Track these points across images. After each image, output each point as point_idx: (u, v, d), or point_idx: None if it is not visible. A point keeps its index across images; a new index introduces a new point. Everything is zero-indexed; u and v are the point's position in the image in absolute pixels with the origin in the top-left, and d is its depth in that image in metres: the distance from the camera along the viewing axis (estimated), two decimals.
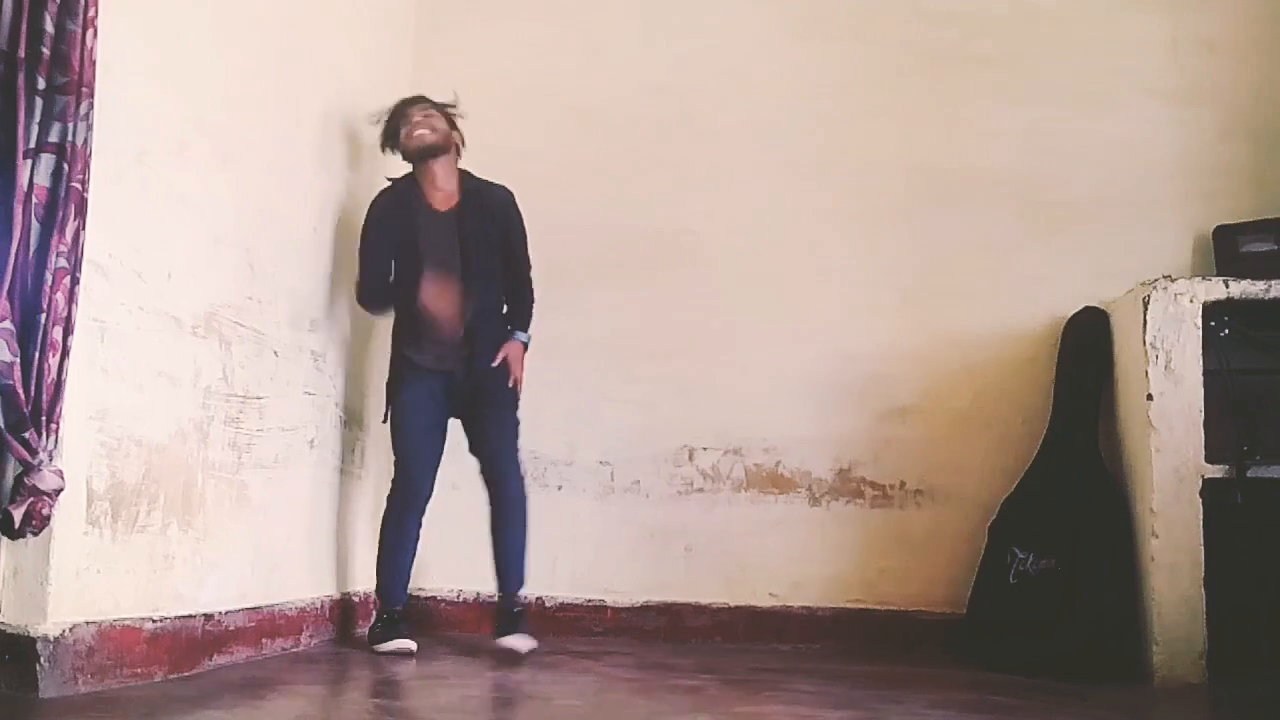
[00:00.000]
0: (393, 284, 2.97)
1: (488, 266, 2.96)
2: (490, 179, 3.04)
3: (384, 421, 2.97)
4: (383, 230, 2.95)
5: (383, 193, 3.01)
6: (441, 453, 2.95)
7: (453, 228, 2.94)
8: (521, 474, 2.94)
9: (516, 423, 2.97)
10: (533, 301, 3.05)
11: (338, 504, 3.12)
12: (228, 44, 2.56)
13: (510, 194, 3.03)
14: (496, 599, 2.97)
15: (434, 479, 2.94)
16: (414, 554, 2.97)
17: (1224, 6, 3.35)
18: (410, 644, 2.82)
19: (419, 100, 3.00)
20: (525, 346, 3.01)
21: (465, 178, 3.01)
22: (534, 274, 3.08)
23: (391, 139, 3.00)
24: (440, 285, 2.87)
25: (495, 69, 3.56)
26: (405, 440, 2.91)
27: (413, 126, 2.93)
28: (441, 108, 2.99)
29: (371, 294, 3.00)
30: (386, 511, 2.95)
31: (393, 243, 2.95)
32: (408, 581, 2.97)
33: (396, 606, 2.92)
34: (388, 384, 2.98)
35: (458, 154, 3.01)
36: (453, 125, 3.00)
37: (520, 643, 2.81)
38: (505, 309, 3.03)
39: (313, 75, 2.98)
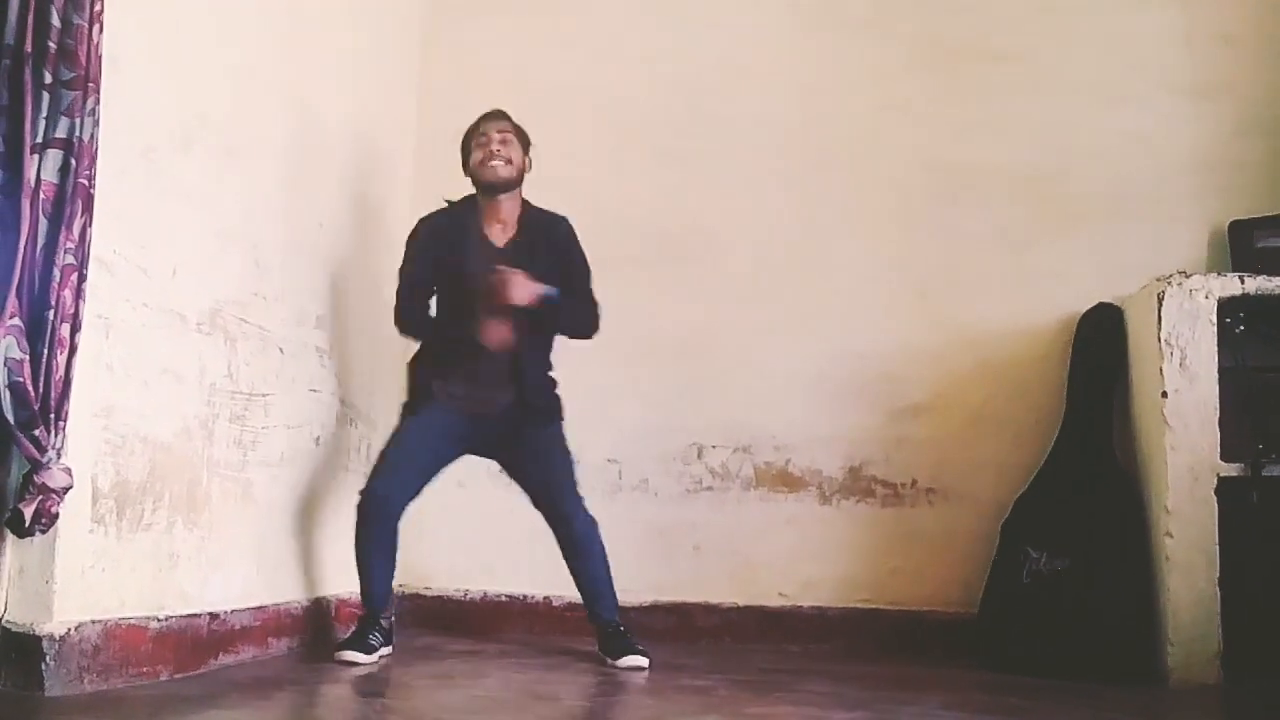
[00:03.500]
0: (429, 313, 2.84)
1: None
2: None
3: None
4: (429, 256, 2.80)
5: (436, 215, 2.86)
6: (425, 484, 2.79)
7: (508, 263, 2.73)
8: (584, 507, 2.82)
9: (568, 459, 2.83)
10: (595, 320, 2.89)
11: (343, 502, 3.11)
12: (234, 39, 2.55)
13: (569, 225, 2.88)
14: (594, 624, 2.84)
15: (405, 503, 2.76)
16: (395, 563, 2.79)
17: (1239, 0, 3.32)
18: (365, 657, 2.60)
19: (497, 117, 2.83)
20: (546, 300, 2.73)
21: (525, 209, 2.86)
22: None
23: (465, 157, 2.84)
24: (496, 323, 2.69)
25: (504, 62, 3.54)
26: (398, 450, 2.75)
27: (487, 155, 2.77)
28: (519, 129, 2.84)
29: (413, 321, 2.83)
30: (358, 527, 2.74)
31: (439, 270, 2.79)
32: (390, 587, 2.80)
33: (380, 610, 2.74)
34: (405, 404, 2.83)
35: (522, 181, 2.86)
36: (526, 150, 2.85)
37: (637, 661, 2.68)
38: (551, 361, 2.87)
39: (319, 70, 2.97)
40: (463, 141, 2.86)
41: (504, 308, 2.68)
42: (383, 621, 2.74)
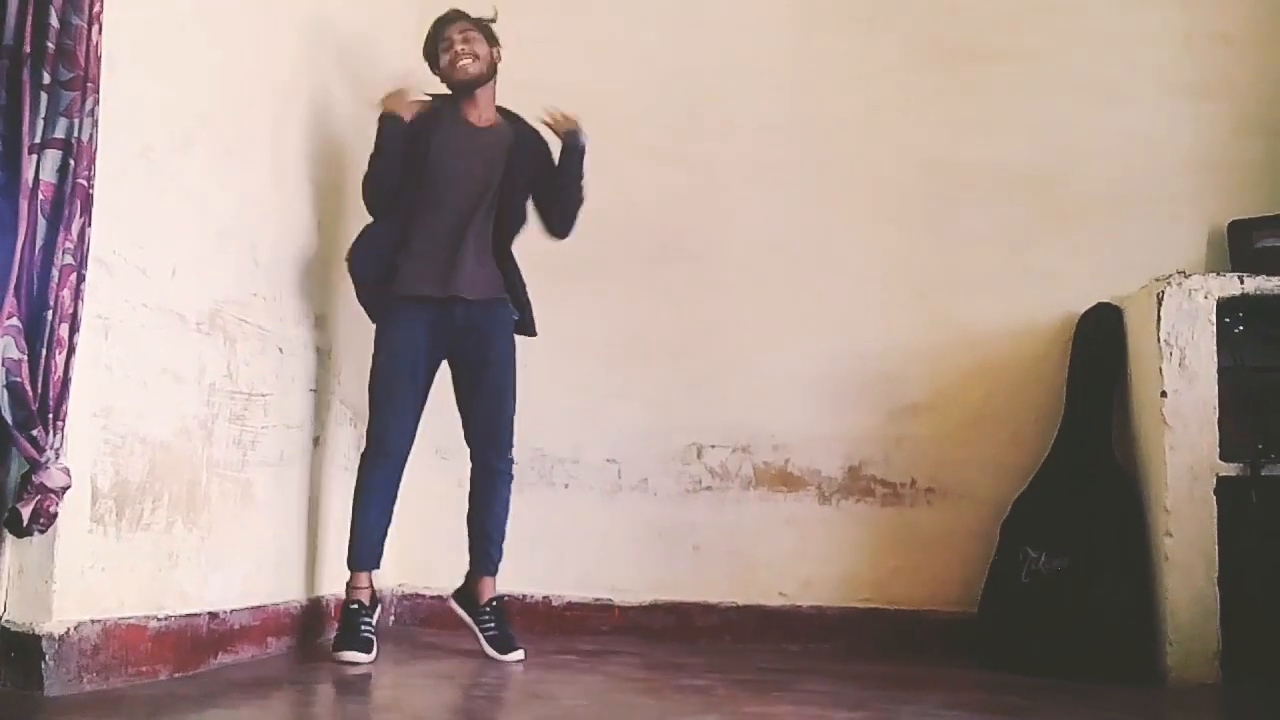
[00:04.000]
0: (399, 195, 2.77)
1: (513, 197, 2.83)
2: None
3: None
4: (405, 135, 2.76)
5: (427, 104, 2.87)
6: (423, 406, 2.78)
7: (489, 141, 2.83)
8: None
9: (514, 398, 2.84)
10: (579, 206, 2.91)
11: (342, 502, 3.11)
12: (232, 39, 2.55)
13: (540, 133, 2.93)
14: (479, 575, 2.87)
15: (413, 435, 2.77)
16: (389, 519, 2.78)
17: (1239, 0, 3.32)
18: (365, 656, 2.58)
19: (455, 17, 2.86)
20: (580, 147, 2.87)
21: (500, 111, 2.91)
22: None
23: (433, 61, 2.87)
24: (448, 212, 2.75)
25: (501, 62, 3.53)
26: (383, 386, 2.73)
27: (454, 56, 2.81)
28: (479, 24, 2.86)
29: (382, 194, 2.77)
30: (359, 469, 2.76)
31: (413, 151, 2.76)
32: (380, 548, 2.78)
33: (364, 571, 2.73)
34: (377, 332, 2.79)
35: (495, 74, 2.89)
36: (493, 42, 2.88)
37: (518, 656, 2.74)
38: (510, 262, 2.86)
39: (318, 71, 2.97)
40: (426, 52, 2.89)
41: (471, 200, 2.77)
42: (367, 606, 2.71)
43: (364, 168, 2.99)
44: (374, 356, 2.78)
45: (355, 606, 2.68)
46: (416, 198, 2.76)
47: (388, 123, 2.76)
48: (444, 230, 2.76)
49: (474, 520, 2.87)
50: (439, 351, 2.80)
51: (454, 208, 2.77)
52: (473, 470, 2.86)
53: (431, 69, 2.90)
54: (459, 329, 2.77)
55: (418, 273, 2.74)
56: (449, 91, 2.89)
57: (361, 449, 2.80)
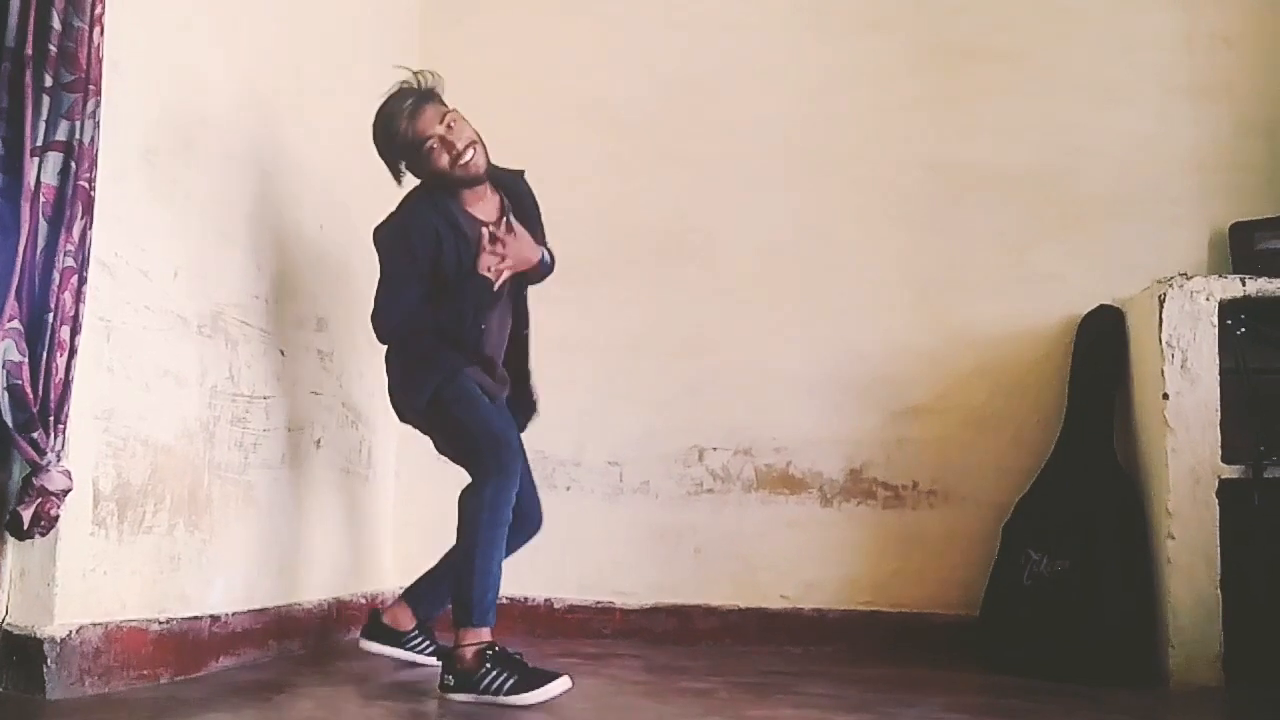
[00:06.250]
0: (427, 307, 2.44)
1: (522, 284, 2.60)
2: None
3: (425, 402, 2.42)
4: (435, 252, 2.40)
5: (421, 208, 2.46)
6: None
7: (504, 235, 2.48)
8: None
9: None
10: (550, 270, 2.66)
11: (344, 505, 3.11)
12: (234, 42, 2.55)
13: (526, 180, 2.64)
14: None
15: None
16: None
17: (1240, 1, 3.31)
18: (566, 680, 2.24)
19: (422, 102, 2.43)
20: (542, 265, 2.57)
21: (490, 172, 2.52)
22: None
23: (421, 167, 2.45)
24: (501, 317, 2.53)
25: (504, 63, 3.54)
26: (492, 410, 2.43)
27: (454, 152, 2.40)
28: (443, 103, 2.47)
29: (404, 322, 2.43)
30: (491, 494, 2.31)
31: (447, 268, 2.42)
32: None
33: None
34: (429, 382, 2.41)
35: None
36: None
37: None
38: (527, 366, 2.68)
39: (319, 72, 2.97)
40: (404, 153, 2.45)
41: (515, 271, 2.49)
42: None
43: (364, 169, 2.98)
44: (459, 399, 2.41)
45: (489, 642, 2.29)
46: (461, 298, 2.43)
47: (486, 295, 2.43)
48: (494, 327, 2.51)
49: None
50: None
51: (497, 309, 2.51)
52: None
53: (407, 166, 2.47)
54: None
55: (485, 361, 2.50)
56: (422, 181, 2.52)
57: (481, 482, 2.34)
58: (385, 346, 2.52)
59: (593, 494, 3.39)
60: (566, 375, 3.38)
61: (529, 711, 2.16)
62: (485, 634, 2.28)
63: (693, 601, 3.28)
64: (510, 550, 2.45)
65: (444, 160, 2.42)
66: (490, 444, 2.36)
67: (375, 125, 2.47)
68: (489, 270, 2.41)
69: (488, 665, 2.22)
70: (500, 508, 2.32)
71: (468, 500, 2.34)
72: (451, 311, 2.43)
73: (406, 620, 2.63)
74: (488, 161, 2.48)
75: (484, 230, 2.44)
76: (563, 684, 2.22)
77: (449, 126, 2.42)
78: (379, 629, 2.63)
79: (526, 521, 2.57)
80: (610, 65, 3.54)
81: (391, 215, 2.49)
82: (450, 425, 2.43)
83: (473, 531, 2.30)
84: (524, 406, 2.67)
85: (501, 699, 2.19)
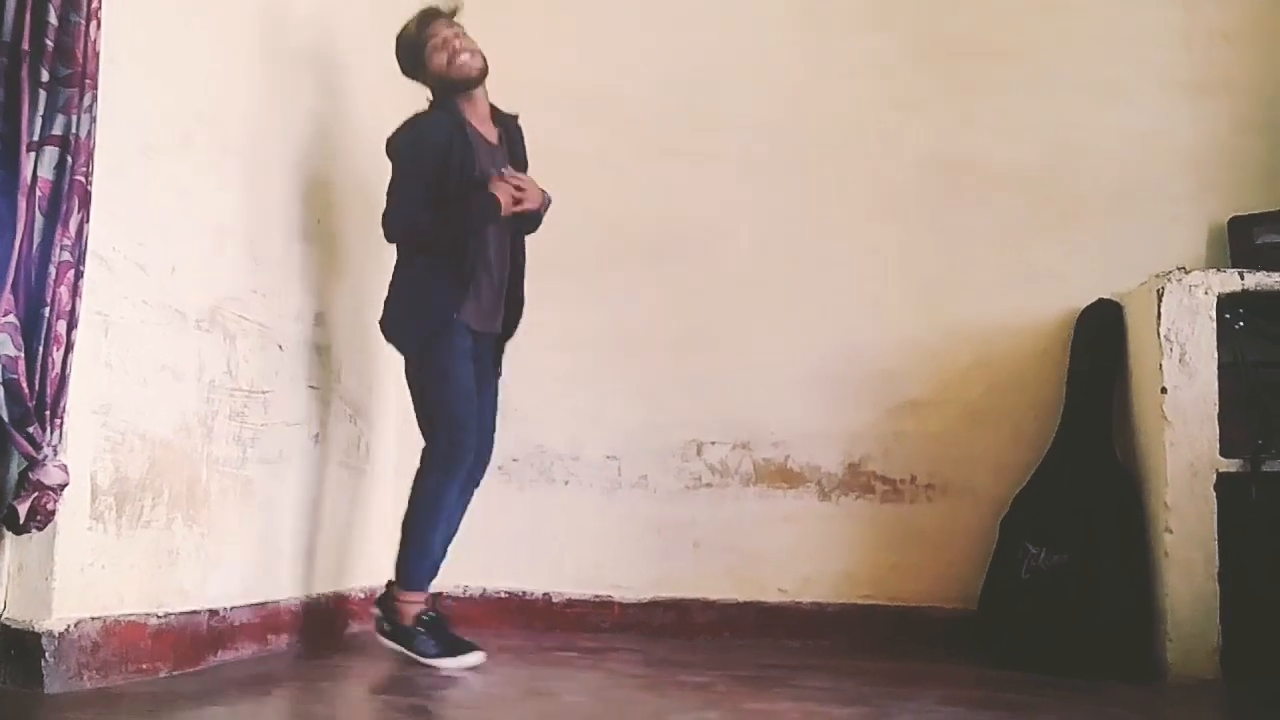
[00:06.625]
0: (432, 220, 2.59)
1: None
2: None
3: (412, 348, 2.61)
4: (444, 157, 2.57)
5: (435, 114, 2.67)
6: None
7: (503, 161, 2.71)
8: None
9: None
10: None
11: (342, 499, 3.11)
12: (231, 36, 2.54)
13: (520, 127, 2.84)
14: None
15: None
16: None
17: None
18: (477, 655, 2.53)
19: (437, 15, 2.70)
20: (545, 208, 2.76)
21: (490, 106, 2.77)
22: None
23: (417, 64, 2.68)
24: (499, 234, 2.66)
25: (500, 61, 3.51)
26: (460, 392, 2.57)
27: (453, 52, 2.65)
28: (458, 25, 2.72)
29: (414, 225, 2.58)
30: (436, 480, 2.57)
31: (452, 173, 2.58)
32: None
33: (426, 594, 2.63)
34: (419, 330, 2.60)
35: None
36: None
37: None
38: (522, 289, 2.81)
39: (317, 68, 2.97)
40: (407, 53, 2.71)
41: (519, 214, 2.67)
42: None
43: (361, 164, 2.98)
44: (436, 367, 2.59)
45: (425, 612, 2.59)
46: (454, 221, 2.60)
47: (492, 212, 2.60)
48: (490, 261, 2.67)
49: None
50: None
51: (493, 233, 2.67)
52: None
53: (412, 73, 2.73)
54: (474, 355, 2.67)
55: (471, 307, 2.63)
56: (433, 94, 2.74)
57: (430, 460, 2.59)
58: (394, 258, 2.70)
59: (591, 488, 3.39)
60: (564, 369, 3.39)
61: (524, 700, 2.16)
62: (420, 598, 2.60)
63: (691, 595, 3.28)
64: (472, 486, 2.71)
65: (441, 59, 2.66)
66: (445, 426, 2.58)
67: (398, 34, 2.75)
68: (505, 199, 2.59)
69: (421, 629, 2.55)
70: (442, 497, 2.60)
71: (416, 483, 2.61)
72: (455, 222, 2.59)
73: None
74: (484, 67, 2.69)
75: (505, 169, 2.63)
76: (479, 656, 2.53)
77: (456, 33, 2.68)
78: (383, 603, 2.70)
79: (479, 461, 2.73)
80: (607, 61, 3.54)
81: (404, 124, 2.68)
82: (419, 388, 2.64)
83: (411, 512, 2.61)
84: (513, 308, 2.79)
85: (425, 660, 2.51)
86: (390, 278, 2.70)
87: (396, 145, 2.66)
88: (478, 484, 2.77)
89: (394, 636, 2.57)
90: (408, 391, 2.70)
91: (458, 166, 2.59)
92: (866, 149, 3.40)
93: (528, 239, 2.85)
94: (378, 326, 2.73)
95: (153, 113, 2.23)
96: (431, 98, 2.74)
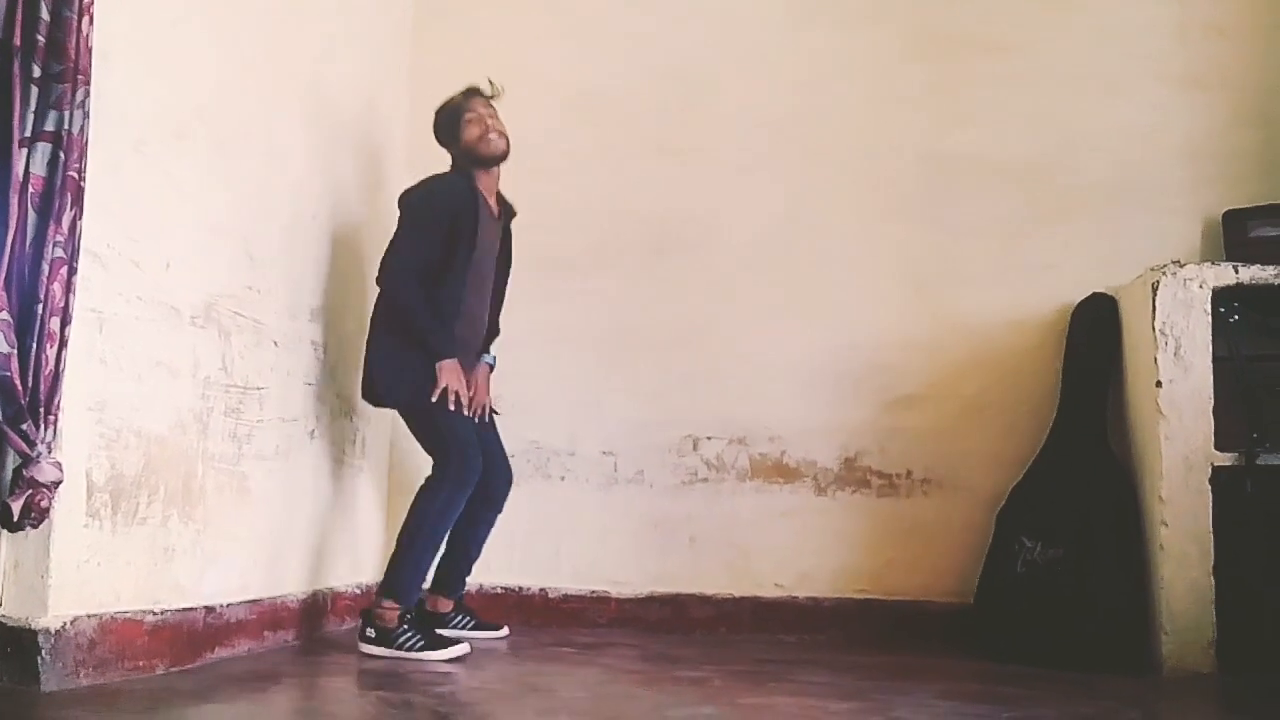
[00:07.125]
0: (429, 276, 2.78)
1: (500, 281, 3.03)
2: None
3: (433, 400, 2.70)
4: (453, 219, 2.78)
5: (453, 178, 2.88)
6: None
7: (498, 237, 2.97)
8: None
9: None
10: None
11: (338, 495, 3.11)
12: (224, 32, 2.53)
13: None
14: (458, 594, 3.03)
15: None
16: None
17: None
18: (462, 645, 2.68)
19: (478, 93, 2.92)
20: (491, 369, 3.05)
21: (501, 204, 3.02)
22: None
23: (452, 131, 2.89)
24: (480, 295, 2.90)
25: (496, 55, 3.52)
26: (460, 414, 2.75)
27: (485, 129, 2.86)
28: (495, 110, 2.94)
29: (400, 291, 2.76)
30: (448, 495, 2.70)
31: (456, 236, 2.78)
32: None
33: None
34: (412, 388, 2.74)
35: None
36: None
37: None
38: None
39: (311, 63, 2.96)
40: (445, 120, 2.92)
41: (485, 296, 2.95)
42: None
43: (356, 159, 2.98)
44: (435, 402, 2.72)
45: (409, 611, 2.75)
46: (461, 278, 2.80)
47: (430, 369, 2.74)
48: (476, 312, 2.91)
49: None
50: None
51: (481, 292, 2.91)
52: (471, 497, 2.81)
53: (444, 137, 2.93)
54: None
55: (461, 341, 2.83)
56: (452, 164, 2.93)
57: (437, 481, 2.72)
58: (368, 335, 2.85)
59: (587, 484, 3.40)
60: (560, 365, 3.39)
61: (521, 696, 2.17)
62: (404, 607, 2.70)
63: (687, 590, 3.29)
64: (495, 510, 2.95)
65: (474, 131, 2.87)
66: (458, 447, 2.73)
67: (443, 103, 2.96)
68: (440, 386, 2.72)
69: (404, 627, 2.65)
70: (448, 514, 2.72)
71: (424, 497, 2.72)
72: (450, 294, 2.77)
73: (445, 604, 2.98)
74: (508, 150, 2.89)
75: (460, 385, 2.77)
76: (463, 648, 2.64)
77: (492, 114, 2.90)
78: (423, 617, 2.88)
79: (497, 476, 2.93)
80: (603, 56, 3.54)
81: (422, 182, 2.88)
82: (423, 423, 2.78)
83: (419, 526, 2.71)
84: (490, 332, 3.04)
85: (414, 655, 2.60)
86: (368, 343, 2.83)
87: (410, 199, 2.85)
88: (500, 509, 2.96)
89: (378, 641, 2.65)
90: None
91: (463, 230, 2.78)
92: (862, 143, 3.40)
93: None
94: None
95: (146, 109, 2.23)
96: (453, 164, 2.93)
